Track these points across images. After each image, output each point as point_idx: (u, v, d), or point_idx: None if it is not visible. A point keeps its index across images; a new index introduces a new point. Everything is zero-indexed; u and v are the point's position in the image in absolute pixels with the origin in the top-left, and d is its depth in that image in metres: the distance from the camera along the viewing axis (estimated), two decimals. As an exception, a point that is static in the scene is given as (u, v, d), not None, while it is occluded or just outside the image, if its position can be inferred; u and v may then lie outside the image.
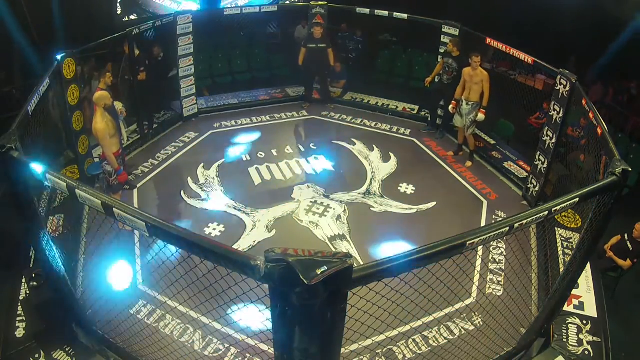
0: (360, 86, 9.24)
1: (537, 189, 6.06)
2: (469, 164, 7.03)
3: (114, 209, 2.45)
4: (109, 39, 6.56)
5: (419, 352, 4.12)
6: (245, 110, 8.56)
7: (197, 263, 2.43)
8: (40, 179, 2.77)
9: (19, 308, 4.11)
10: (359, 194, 6.30)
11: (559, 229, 5.43)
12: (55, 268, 3.53)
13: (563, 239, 5.32)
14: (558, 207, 2.73)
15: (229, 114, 8.38)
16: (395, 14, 8.11)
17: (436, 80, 7.60)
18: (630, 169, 2.98)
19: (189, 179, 6.44)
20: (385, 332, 3.06)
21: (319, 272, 1.88)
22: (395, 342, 4.03)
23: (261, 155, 7.15)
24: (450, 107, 6.82)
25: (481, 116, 6.54)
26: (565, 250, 5.12)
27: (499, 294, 4.77)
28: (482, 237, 2.42)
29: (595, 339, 4.15)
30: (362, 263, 2.42)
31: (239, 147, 7.36)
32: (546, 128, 5.84)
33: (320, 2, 8.34)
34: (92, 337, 3.95)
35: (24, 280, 4.30)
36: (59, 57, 5.18)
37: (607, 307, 4.51)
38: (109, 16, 8.85)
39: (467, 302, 4.53)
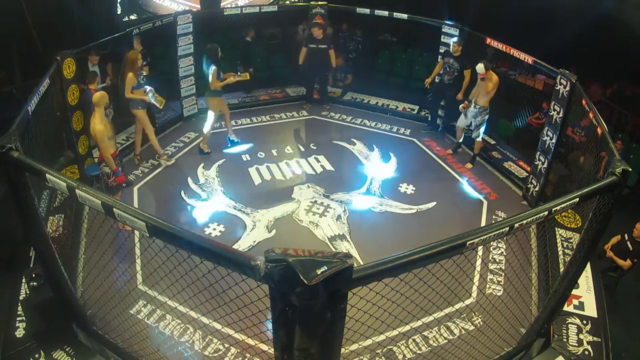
0: (360, 86, 9.25)
1: (537, 189, 6.06)
2: (469, 165, 7.03)
3: (114, 209, 2.45)
4: (109, 38, 6.55)
5: (419, 352, 4.12)
6: (245, 110, 8.57)
7: (197, 263, 2.43)
8: (40, 178, 2.77)
9: (19, 308, 4.11)
10: (359, 194, 6.30)
11: (559, 229, 5.43)
12: (55, 267, 3.54)
13: (563, 239, 5.32)
14: (558, 207, 2.73)
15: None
16: (395, 14, 8.12)
17: (436, 80, 7.60)
18: (630, 169, 2.99)
19: (189, 179, 6.44)
20: (385, 332, 3.06)
21: (319, 272, 1.88)
22: (395, 342, 4.03)
23: (261, 155, 7.15)
24: (461, 106, 6.80)
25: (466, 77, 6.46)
26: (565, 250, 5.12)
27: (499, 294, 4.77)
28: (482, 237, 2.42)
29: (595, 339, 4.15)
30: (362, 263, 2.42)
31: (239, 147, 7.35)
32: (546, 128, 5.84)
33: (320, 2, 8.34)
34: (92, 337, 3.96)
35: (24, 280, 4.30)
36: (58, 57, 5.18)
37: (607, 307, 4.51)
38: (109, 16, 8.85)
39: (467, 302, 4.53)
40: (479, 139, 6.79)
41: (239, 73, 6.99)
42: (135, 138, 6.74)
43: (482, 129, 6.68)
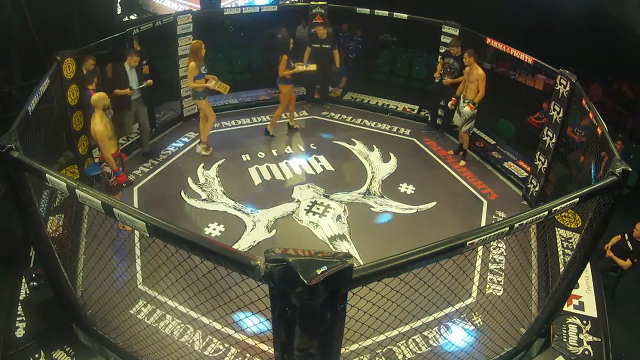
0: (360, 86, 9.25)
1: (537, 189, 6.06)
2: (462, 163, 7.03)
3: (114, 209, 2.45)
4: (109, 38, 6.55)
5: (419, 352, 4.13)
6: (245, 110, 8.57)
7: (197, 263, 2.43)
8: (40, 178, 2.77)
9: (19, 308, 4.11)
10: (359, 194, 6.31)
11: (559, 229, 5.43)
12: (55, 267, 3.54)
13: (563, 239, 5.32)
14: (558, 207, 2.73)
15: (229, 114, 8.37)
16: (395, 14, 8.12)
17: (436, 80, 7.59)
18: (630, 169, 2.99)
19: (189, 179, 6.44)
20: (385, 332, 3.06)
21: (319, 272, 1.88)
22: (395, 342, 4.03)
23: (261, 155, 7.15)
24: (450, 103, 6.84)
25: (467, 109, 6.52)
26: (565, 250, 5.12)
27: (499, 294, 4.77)
28: (482, 237, 2.42)
29: (595, 339, 4.15)
30: (362, 263, 2.42)
31: (239, 147, 7.35)
32: (546, 128, 5.84)
33: (320, 2, 8.34)
34: (92, 337, 3.95)
35: (24, 280, 4.30)
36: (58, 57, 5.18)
37: (607, 307, 4.51)
38: (109, 16, 8.85)
39: (467, 302, 4.54)
40: (468, 133, 6.81)
41: (306, 65, 7.34)
42: (201, 126, 6.96)
43: (472, 124, 6.71)
